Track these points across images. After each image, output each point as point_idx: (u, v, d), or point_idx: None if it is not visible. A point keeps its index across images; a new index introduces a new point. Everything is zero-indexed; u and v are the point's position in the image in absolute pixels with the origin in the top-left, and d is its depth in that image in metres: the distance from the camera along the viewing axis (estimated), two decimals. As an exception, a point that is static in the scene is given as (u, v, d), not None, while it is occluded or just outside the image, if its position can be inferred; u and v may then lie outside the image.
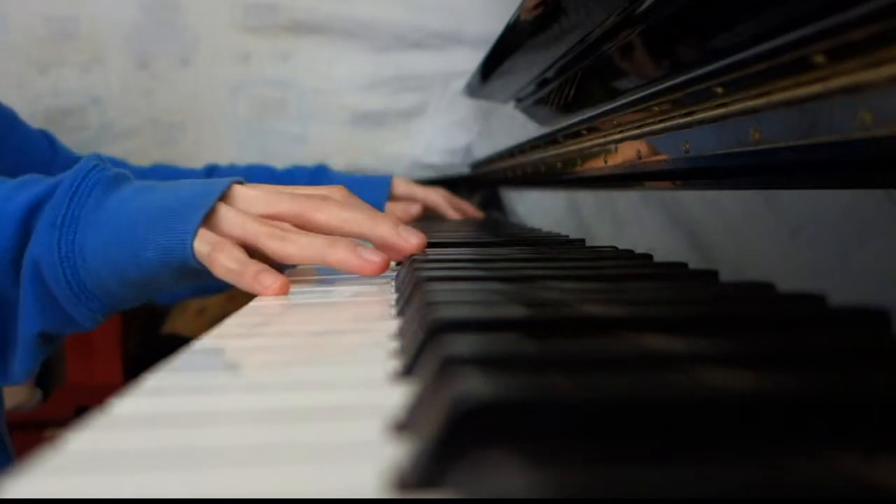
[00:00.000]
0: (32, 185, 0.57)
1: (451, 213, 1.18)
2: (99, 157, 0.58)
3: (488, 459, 0.17)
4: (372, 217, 0.56)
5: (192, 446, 0.21)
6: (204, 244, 0.52)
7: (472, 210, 1.20)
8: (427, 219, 1.16)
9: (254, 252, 0.53)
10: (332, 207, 0.56)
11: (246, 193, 0.56)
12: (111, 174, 0.56)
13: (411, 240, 0.55)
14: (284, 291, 0.51)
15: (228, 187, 0.55)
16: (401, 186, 1.16)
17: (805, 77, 0.31)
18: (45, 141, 1.02)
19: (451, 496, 0.18)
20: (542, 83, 0.88)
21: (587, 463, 0.17)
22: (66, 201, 0.54)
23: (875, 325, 0.28)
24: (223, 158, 1.37)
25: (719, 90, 0.39)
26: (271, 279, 0.51)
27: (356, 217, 0.55)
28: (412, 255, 0.55)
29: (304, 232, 0.54)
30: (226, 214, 0.54)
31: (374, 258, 0.52)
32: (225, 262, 0.51)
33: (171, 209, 0.53)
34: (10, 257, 0.55)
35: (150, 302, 0.71)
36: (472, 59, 1.20)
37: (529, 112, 1.00)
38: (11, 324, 0.57)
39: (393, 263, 0.63)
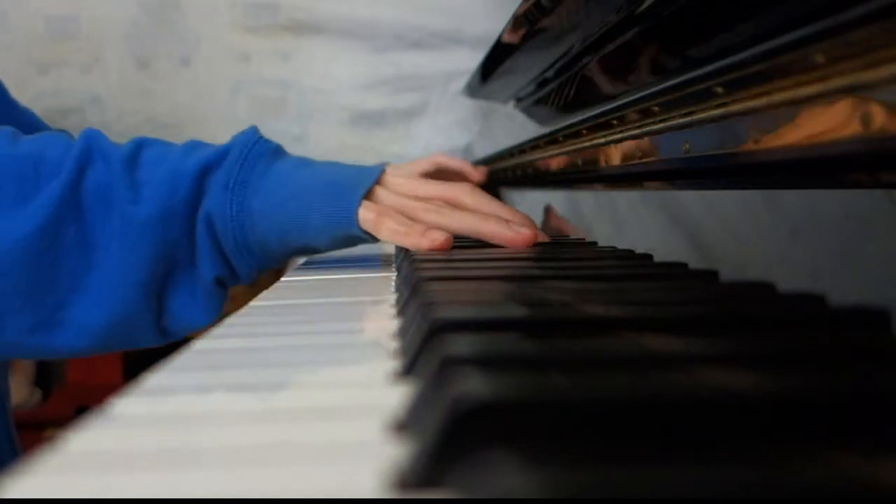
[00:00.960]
0: (200, 148, 0.64)
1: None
2: (257, 130, 0.65)
3: (488, 459, 0.17)
4: (511, 209, 0.63)
5: (192, 446, 0.21)
6: (369, 212, 0.60)
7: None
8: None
9: None
10: (477, 194, 0.63)
11: (396, 178, 0.64)
12: (273, 146, 0.65)
13: (542, 235, 0.61)
14: (449, 245, 0.58)
15: (382, 174, 0.63)
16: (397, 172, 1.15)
17: (804, 77, 0.31)
18: None
19: (451, 496, 0.18)
20: (542, 83, 0.88)
21: (587, 463, 0.17)
22: (237, 167, 0.62)
23: (875, 325, 0.28)
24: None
25: (719, 90, 0.39)
26: (438, 234, 0.58)
27: (499, 205, 0.62)
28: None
29: (456, 209, 0.61)
30: (382, 193, 0.62)
31: (525, 230, 0.59)
32: (391, 225, 0.59)
33: (336, 183, 0.61)
34: (185, 211, 0.62)
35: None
36: (472, 59, 1.20)
37: (529, 112, 1.00)
38: (177, 271, 0.64)
39: (393, 265, 0.63)
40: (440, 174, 0.98)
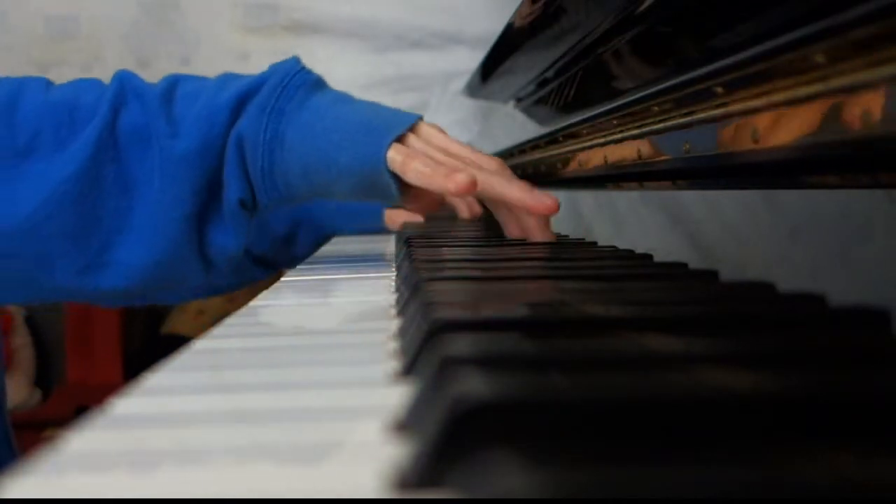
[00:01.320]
0: (236, 79, 0.65)
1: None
2: (301, 63, 0.65)
3: (488, 459, 0.17)
4: (531, 189, 0.61)
5: (192, 446, 0.21)
6: (398, 154, 0.59)
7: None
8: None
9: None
10: (505, 167, 0.63)
11: (431, 131, 0.63)
12: (314, 78, 0.65)
13: (546, 201, 0.60)
14: (474, 189, 0.58)
15: (417, 122, 0.63)
16: None
17: (804, 77, 0.31)
18: None
19: (451, 496, 0.18)
20: (542, 83, 0.88)
21: (587, 463, 0.17)
22: (276, 94, 0.62)
23: (875, 325, 0.28)
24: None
25: (719, 90, 0.39)
26: (462, 175, 0.57)
27: (520, 184, 0.61)
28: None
29: (482, 169, 0.60)
30: (414, 140, 0.62)
31: (546, 200, 0.59)
32: (418, 166, 0.59)
33: (369, 124, 0.61)
34: (222, 141, 0.63)
35: (235, 288, 0.83)
36: (472, 59, 1.20)
37: (529, 112, 1.00)
38: (215, 199, 0.65)
39: (393, 265, 0.63)
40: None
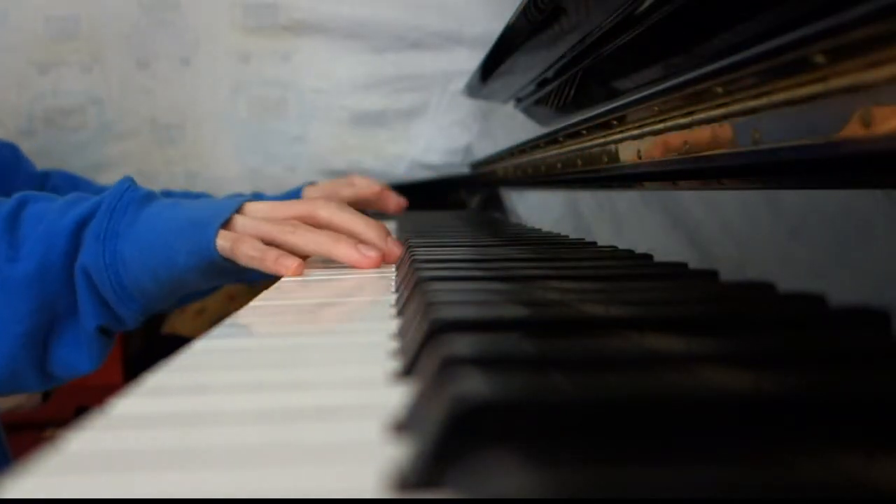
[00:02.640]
0: (79, 203, 0.67)
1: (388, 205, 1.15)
2: (131, 180, 0.69)
3: (488, 459, 0.17)
4: (366, 222, 0.66)
5: (192, 446, 0.21)
6: (226, 241, 0.62)
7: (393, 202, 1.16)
8: (427, 217, 1.16)
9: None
10: (331, 207, 0.67)
11: (256, 205, 0.67)
12: (142, 193, 0.67)
13: (395, 250, 0.64)
14: (300, 272, 0.61)
15: (242, 203, 0.66)
16: (314, 192, 1.12)
17: (804, 77, 0.31)
18: (9, 151, 1.10)
19: (451, 496, 0.18)
20: (542, 83, 0.88)
21: (587, 463, 0.17)
22: (107, 217, 0.65)
23: (875, 325, 0.28)
24: (223, 158, 1.37)
25: (719, 90, 0.39)
26: (290, 261, 0.61)
27: (353, 218, 0.66)
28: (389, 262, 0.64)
29: (312, 228, 0.64)
30: (241, 220, 0.65)
31: (370, 253, 0.62)
32: (247, 251, 0.62)
33: (195, 218, 0.64)
34: (61, 263, 0.65)
35: (182, 302, 0.82)
36: (472, 59, 1.20)
37: (529, 112, 1.00)
38: (60, 321, 0.67)
39: (393, 265, 0.63)
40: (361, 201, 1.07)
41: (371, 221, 0.66)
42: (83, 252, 0.65)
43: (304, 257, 0.65)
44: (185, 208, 0.66)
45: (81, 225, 0.66)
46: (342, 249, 0.62)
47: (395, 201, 1.14)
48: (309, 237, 0.63)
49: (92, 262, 0.64)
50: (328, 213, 0.66)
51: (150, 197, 0.68)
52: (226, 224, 0.64)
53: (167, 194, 1.21)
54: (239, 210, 0.66)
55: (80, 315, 0.67)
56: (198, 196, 1.19)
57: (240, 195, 0.70)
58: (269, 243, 0.63)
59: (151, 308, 0.68)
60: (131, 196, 0.67)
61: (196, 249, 0.63)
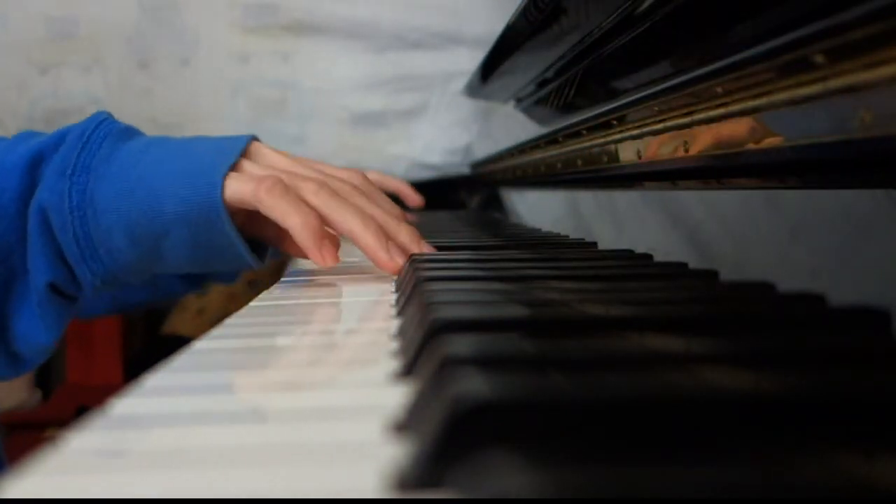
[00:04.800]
0: (31, 137, 0.55)
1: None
2: (107, 113, 0.56)
3: (488, 459, 0.17)
4: (397, 217, 0.54)
5: (192, 446, 0.21)
6: (244, 183, 0.49)
7: None
8: (427, 217, 1.16)
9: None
10: (356, 196, 0.54)
11: (268, 151, 0.54)
12: (121, 126, 0.55)
13: (398, 261, 0.53)
14: (337, 262, 0.50)
15: (249, 142, 0.53)
16: None
17: (805, 77, 0.31)
18: None
19: (451, 496, 0.18)
20: (542, 83, 0.88)
21: (587, 463, 0.17)
22: (76, 150, 0.52)
23: (875, 325, 0.28)
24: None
25: (720, 90, 0.39)
26: (333, 248, 0.49)
27: (380, 215, 0.54)
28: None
29: (338, 194, 0.52)
30: (252, 166, 0.52)
31: (399, 259, 0.51)
32: (281, 201, 0.48)
33: (194, 160, 0.51)
34: (15, 208, 0.53)
35: (151, 302, 0.70)
36: (472, 59, 1.20)
37: (529, 112, 1.00)
38: (16, 283, 0.55)
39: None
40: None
41: (400, 214, 0.55)
42: (42, 189, 0.52)
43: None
44: (177, 146, 0.53)
45: (39, 159, 0.53)
46: (370, 239, 0.50)
47: (415, 197, 1.04)
48: (335, 205, 0.50)
49: (53, 202, 0.51)
50: (351, 199, 0.53)
51: (130, 131, 0.55)
52: (235, 165, 0.51)
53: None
54: (246, 153, 0.53)
55: (31, 273, 0.54)
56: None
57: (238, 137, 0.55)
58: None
59: (117, 273, 0.54)
60: (109, 128, 0.54)
61: (192, 195, 0.50)
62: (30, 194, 0.53)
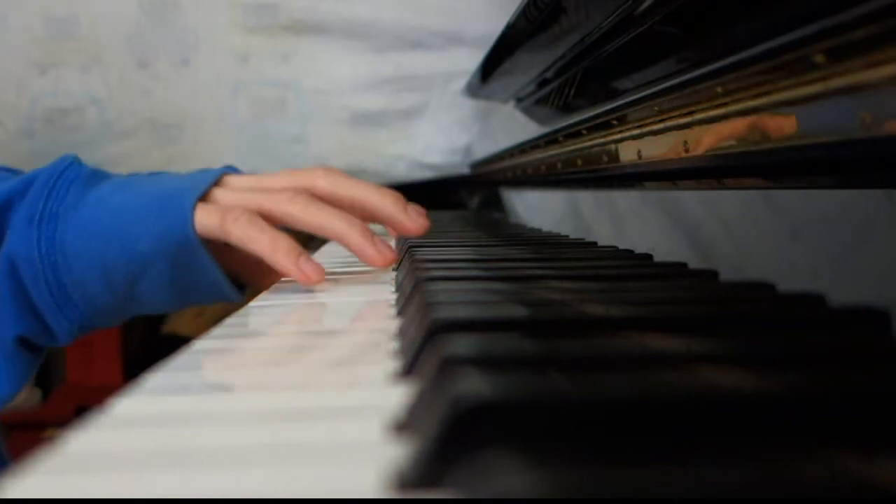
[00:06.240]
0: (1, 182, 0.53)
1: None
2: (75, 157, 0.55)
3: (488, 459, 0.17)
4: (379, 190, 0.53)
5: (192, 446, 0.21)
6: (210, 215, 0.48)
7: None
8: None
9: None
10: (335, 175, 0.52)
11: (239, 178, 0.52)
12: (88, 170, 0.54)
13: (418, 220, 0.53)
14: (322, 279, 0.48)
15: (220, 175, 0.52)
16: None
17: (806, 77, 0.31)
18: None
19: (451, 496, 0.18)
20: (542, 83, 0.88)
21: (587, 463, 0.17)
22: (42, 198, 0.51)
23: (875, 325, 0.28)
24: (223, 159, 1.37)
25: (720, 90, 0.39)
26: (313, 263, 0.47)
27: (362, 187, 0.52)
28: (416, 235, 0.53)
29: (318, 200, 0.50)
30: (222, 193, 0.50)
31: (388, 253, 0.50)
32: (245, 228, 0.47)
33: (163, 195, 0.50)
34: None
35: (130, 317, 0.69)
36: (472, 59, 1.20)
37: (529, 112, 1.00)
38: None
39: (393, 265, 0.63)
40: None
41: (385, 190, 0.53)
42: (10, 239, 0.51)
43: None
44: (147, 184, 0.52)
45: (7, 205, 0.52)
46: (356, 238, 0.49)
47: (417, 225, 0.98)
48: (314, 210, 0.49)
49: (22, 251, 0.50)
50: (329, 182, 0.52)
51: (97, 176, 0.54)
52: (204, 197, 0.50)
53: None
54: (217, 183, 0.52)
55: None
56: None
57: (210, 169, 0.53)
58: (267, 215, 0.49)
59: (93, 319, 0.53)
60: (75, 172, 0.53)
61: (165, 231, 0.48)
62: None
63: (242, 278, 0.56)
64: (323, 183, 0.52)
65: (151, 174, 0.55)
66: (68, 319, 0.52)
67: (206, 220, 0.48)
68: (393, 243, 0.78)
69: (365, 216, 0.53)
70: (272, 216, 0.50)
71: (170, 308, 0.54)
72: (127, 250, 0.50)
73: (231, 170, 0.54)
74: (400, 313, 0.40)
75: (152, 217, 0.49)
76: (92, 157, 1.33)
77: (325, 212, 0.50)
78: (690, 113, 0.43)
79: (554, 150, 0.74)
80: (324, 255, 0.78)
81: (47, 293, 0.51)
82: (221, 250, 0.52)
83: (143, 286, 0.51)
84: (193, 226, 0.48)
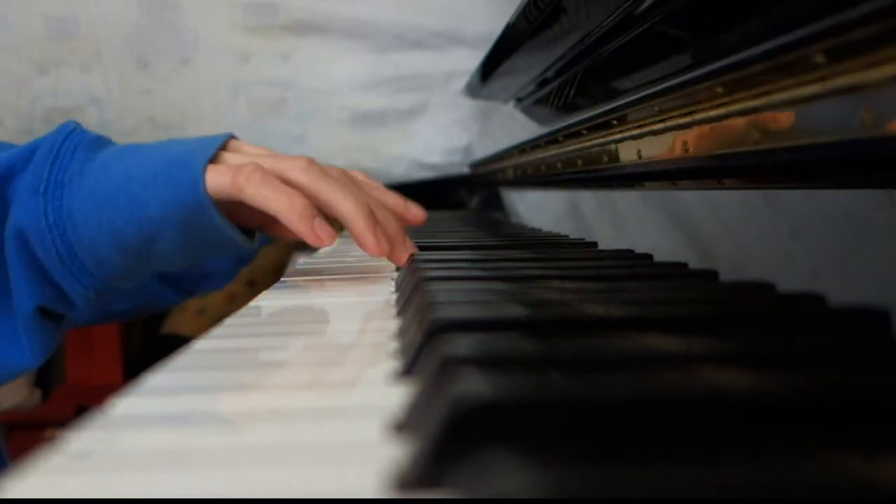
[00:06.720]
0: (2, 150, 0.53)
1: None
2: (76, 123, 0.54)
3: (488, 459, 0.17)
4: (381, 188, 0.53)
5: (192, 446, 0.21)
6: (221, 174, 0.47)
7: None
8: (428, 217, 1.16)
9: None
10: (346, 179, 0.52)
11: (248, 145, 0.52)
12: (91, 136, 0.53)
13: (416, 211, 0.54)
14: (333, 240, 0.48)
15: (228, 138, 0.52)
16: None
17: (805, 77, 0.31)
18: None
19: (451, 496, 0.18)
20: (542, 83, 0.88)
21: (587, 463, 0.17)
22: (47, 166, 0.51)
23: (875, 325, 0.28)
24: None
25: (720, 90, 0.39)
26: (326, 225, 0.47)
27: (372, 201, 0.52)
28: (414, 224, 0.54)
29: (327, 176, 0.50)
30: (232, 157, 0.50)
31: (385, 243, 0.50)
32: (259, 186, 0.46)
33: (173, 158, 0.49)
34: None
35: (137, 311, 0.65)
36: (472, 59, 1.20)
37: (529, 112, 1.00)
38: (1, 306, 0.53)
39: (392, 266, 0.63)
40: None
41: (359, 203, 0.51)
42: (16, 210, 0.51)
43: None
44: (153, 149, 0.51)
45: (9, 175, 0.51)
46: (360, 222, 0.49)
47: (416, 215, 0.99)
48: (325, 184, 0.48)
49: (30, 222, 0.50)
50: (338, 173, 0.51)
51: (101, 141, 0.54)
52: (214, 159, 0.50)
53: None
54: (226, 146, 0.51)
55: (13, 294, 0.52)
56: None
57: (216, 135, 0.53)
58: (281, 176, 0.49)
59: (109, 282, 0.53)
60: (78, 139, 0.52)
61: (176, 194, 0.48)
62: (2, 216, 0.52)
63: (256, 228, 0.56)
64: (334, 173, 0.52)
65: (157, 142, 0.54)
66: (83, 285, 0.52)
67: (217, 179, 0.48)
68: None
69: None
70: (283, 179, 0.49)
71: (185, 264, 0.54)
72: (136, 215, 0.49)
73: (232, 136, 0.54)
74: (400, 313, 0.40)
75: (161, 181, 0.49)
76: (92, 157, 1.34)
77: (336, 187, 0.49)
78: (690, 113, 0.43)
79: (554, 150, 0.74)
80: (324, 256, 0.79)
81: (58, 262, 0.50)
82: (229, 205, 0.51)
83: (156, 248, 0.51)
84: (205, 187, 0.48)
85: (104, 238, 0.50)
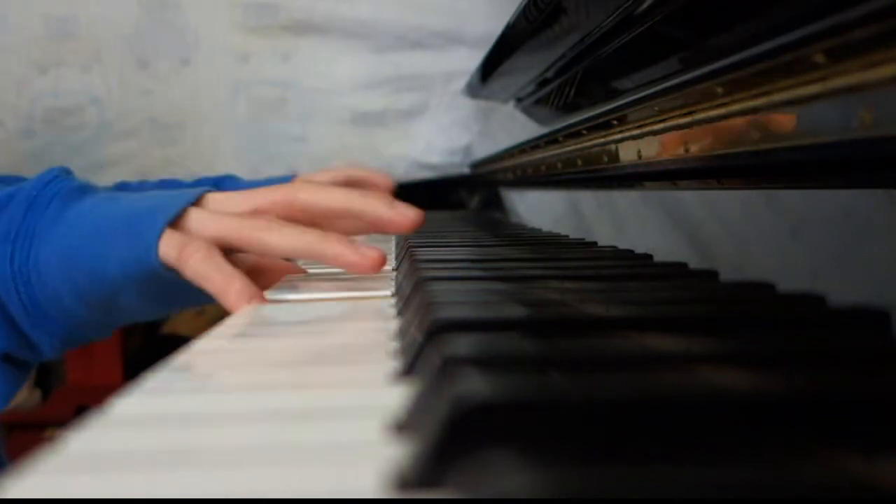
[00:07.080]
0: None
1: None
2: (64, 169, 0.54)
3: (488, 459, 0.17)
4: (362, 193, 0.51)
5: (192, 446, 0.21)
6: (171, 245, 0.47)
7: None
8: (427, 217, 1.16)
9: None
10: (313, 188, 0.51)
11: (217, 196, 0.52)
12: (74, 185, 0.52)
13: (408, 213, 0.50)
14: (259, 300, 0.46)
15: (201, 194, 0.51)
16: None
17: (805, 77, 0.31)
18: None
19: (451, 496, 0.18)
20: (542, 83, 0.88)
21: (587, 463, 0.17)
22: (21, 213, 0.51)
23: (875, 325, 0.28)
24: (223, 159, 1.37)
25: (720, 90, 0.39)
26: (243, 288, 0.46)
27: (344, 193, 0.51)
28: (409, 231, 0.51)
29: (290, 223, 0.49)
30: (197, 216, 0.49)
31: (371, 253, 0.48)
32: (197, 264, 0.46)
33: (137, 214, 0.49)
34: None
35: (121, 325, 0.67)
36: (472, 59, 1.20)
37: (529, 112, 1.00)
38: None
39: (391, 266, 0.63)
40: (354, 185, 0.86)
41: (367, 191, 0.52)
42: None
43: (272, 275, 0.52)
44: (126, 203, 0.50)
45: None
46: (333, 248, 0.48)
47: (385, 181, 1.00)
48: (288, 233, 0.48)
49: None
50: (310, 194, 0.50)
51: (83, 190, 0.52)
52: (176, 221, 0.48)
53: (140, 186, 0.94)
54: (196, 202, 0.50)
55: None
56: (174, 185, 0.98)
57: (201, 182, 0.53)
58: (236, 248, 0.48)
59: (77, 334, 0.53)
60: (58, 187, 0.51)
61: (132, 255, 0.47)
62: None
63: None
64: (304, 195, 0.51)
65: (142, 187, 0.53)
66: (48, 333, 0.52)
67: (166, 249, 0.47)
68: (394, 245, 0.78)
69: (358, 225, 0.53)
70: (242, 245, 0.48)
71: (160, 315, 0.54)
72: (95, 272, 0.49)
73: (228, 180, 0.53)
74: (400, 313, 0.40)
75: (120, 240, 0.48)
76: (92, 157, 1.34)
77: (297, 231, 0.48)
78: (690, 113, 0.43)
79: (554, 150, 0.74)
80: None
81: (21, 309, 0.51)
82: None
83: (121, 302, 0.51)
84: (157, 255, 0.47)
85: (66, 291, 0.50)
